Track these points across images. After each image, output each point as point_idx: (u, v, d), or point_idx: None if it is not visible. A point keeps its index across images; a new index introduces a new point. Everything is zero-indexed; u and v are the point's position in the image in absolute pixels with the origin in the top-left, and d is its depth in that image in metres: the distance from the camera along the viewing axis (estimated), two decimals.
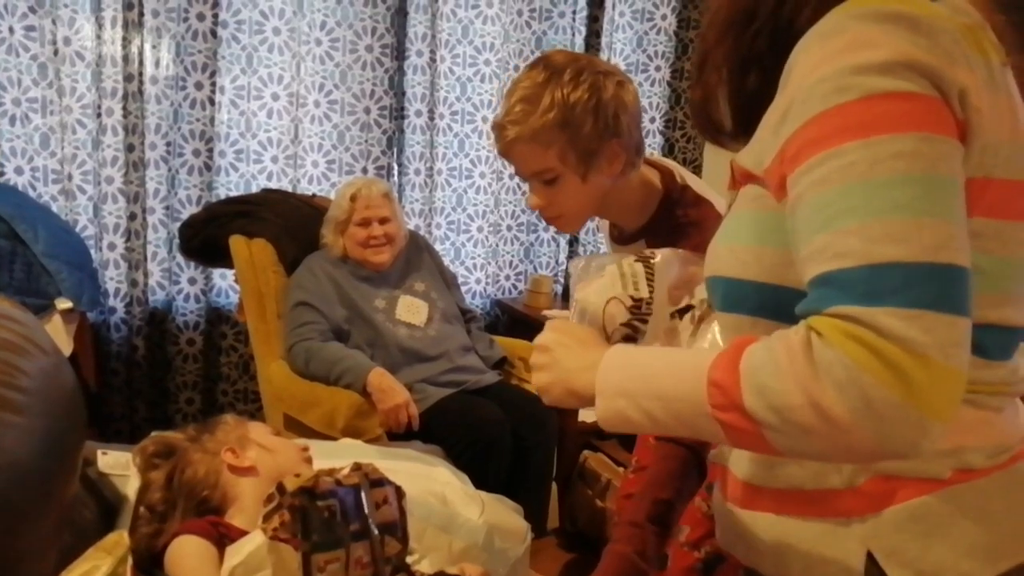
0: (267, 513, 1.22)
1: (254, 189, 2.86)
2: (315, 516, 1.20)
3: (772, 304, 0.76)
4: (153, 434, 1.52)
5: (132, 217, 2.71)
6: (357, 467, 1.36)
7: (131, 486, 1.38)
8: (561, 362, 0.83)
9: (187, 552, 1.21)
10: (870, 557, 0.74)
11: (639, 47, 3.37)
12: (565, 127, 1.23)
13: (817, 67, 0.68)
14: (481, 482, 1.78)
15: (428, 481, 1.59)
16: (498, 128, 1.29)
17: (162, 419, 2.91)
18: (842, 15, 0.69)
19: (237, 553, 1.17)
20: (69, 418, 1.12)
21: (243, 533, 1.28)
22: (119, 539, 0.82)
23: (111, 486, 1.38)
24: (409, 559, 1.36)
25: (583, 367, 0.80)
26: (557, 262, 3.41)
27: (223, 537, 1.25)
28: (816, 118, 0.66)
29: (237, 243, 2.50)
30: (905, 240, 0.61)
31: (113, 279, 2.76)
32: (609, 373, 0.76)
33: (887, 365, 0.59)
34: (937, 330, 0.60)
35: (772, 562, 0.83)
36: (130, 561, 0.82)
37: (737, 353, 0.67)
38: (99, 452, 1.43)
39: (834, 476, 0.77)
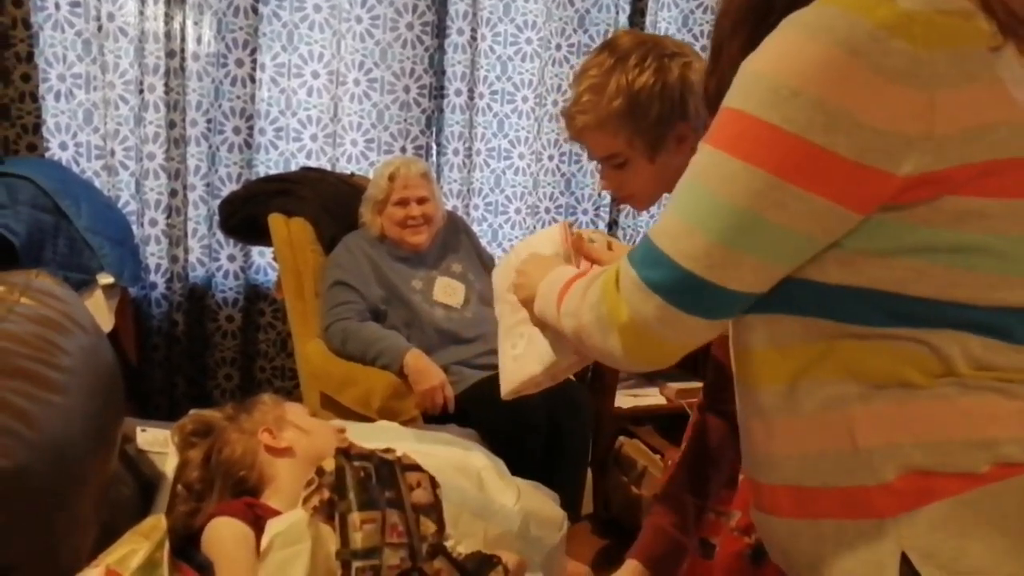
0: (307, 495, 1.22)
1: (293, 167, 2.86)
2: (351, 475, 1.19)
3: (782, 297, 0.77)
4: (191, 412, 1.52)
5: (173, 194, 2.72)
6: (390, 451, 1.35)
7: (169, 464, 1.38)
8: (531, 274, 1.12)
9: (224, 535, 1.21)
10: (904, 559, 0.71)
11: (684, 26, 3.28)
12: (631, 114, 1.24)
13: (760, 57, 0.72)
14: (516, 466, 1.76)
15: (464, 466, 1.57)
16: (567, 117, 1.33)
17: (201, 395, 2.94)
18: (810, 16, 0.70)
19: (278, 524, 1.17)
20: (108, 396, 1.12)
21: (279, 514, 1.28)
22: (156, 523, 0.82)
23: (149, 463, 1.39)
24: (446, 543, 1.34)
25: (535, 284, 1.08)
26: None
27: (259, 519, 1.25)
28: (724, 109, 0.74)
29: (276, 221, 2.50)
30: (674, 237, 0.75)
31: (154, 255, 2.78)
32: (540, 289, 1.05)
33: (610, 306, 0.80)
34: (647, 304, 0.77)
35: (807, 567, 0.80)
36: (167, 546, 0.81)
37: (571, 283, 0.94)
38: (138, 429, 1.44)
39: (865, 473, 0.74)
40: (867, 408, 0.75)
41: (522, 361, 1.24)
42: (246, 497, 1.32)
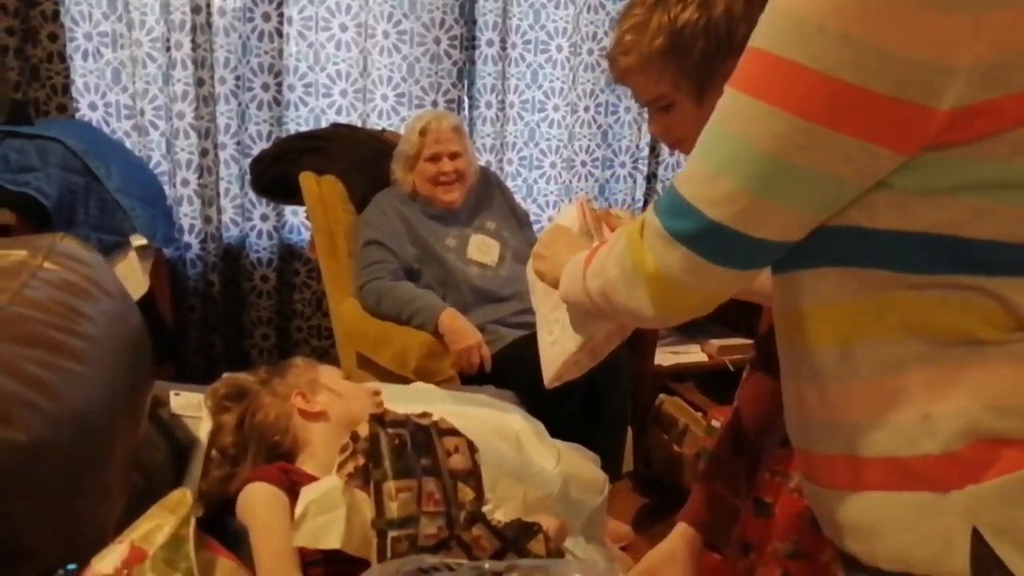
0: (342, 461, 1.20)
1: (323, 124, 2.80)
2: (385, 443, 1.16)
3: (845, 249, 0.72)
4: (224, 376, 1.49)
5: (204, 153, 2.69)
6: (427, 415, 1.31)
7: (203, 428, 1.37)
8: (554, 258, 1.07)
9: (258, 500, 1.19)
10: (976, 535, 0.65)
11: None
12: (674, 53, 1.16)
13: None
14: (554, 427, 1.72)
15: (502, 428, 1.53)
16: (609, 60, 1.26)
17: (238, 354, 2.95)
18: None
19: (313, 491, 1.15)
20: (135, 362, 1.09)
21: (314, 480, 1.25)
22: (182, 497, 0.79)
23: (183, 427, 1.37)
24: (483, 509, 1.31)
25: (561, 265, 1.02)
26: (633, 199, 3.27)
27: (294, 485, 1.22)
28: (748, 49, 0.69)
29: (307, 180, 2.45)
30: (697, 184, 0.72)
31: (187, 215, 2.76)
32: (566, 270, 0.99)
33: (635, 257, 0.78)
34: (672, 255, 0.74)
35: (867, 544, 0.74)
36: (192, 521, 0.78)
37: (595, 251, 0.89)
38: (171, 393, 1.42)
39: (927, 440, 0.68)
40: (929, 369, 0.69)
41: (559, 345, 1.19)
42: (281, 462, 1.30)
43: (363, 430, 1.22)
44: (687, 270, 0.74)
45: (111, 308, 1.11)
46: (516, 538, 1.20)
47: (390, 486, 1.11)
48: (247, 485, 1.21)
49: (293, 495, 1.21)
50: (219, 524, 1.13)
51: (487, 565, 0.93)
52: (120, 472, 0.90)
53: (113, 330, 1.04)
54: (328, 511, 1.12)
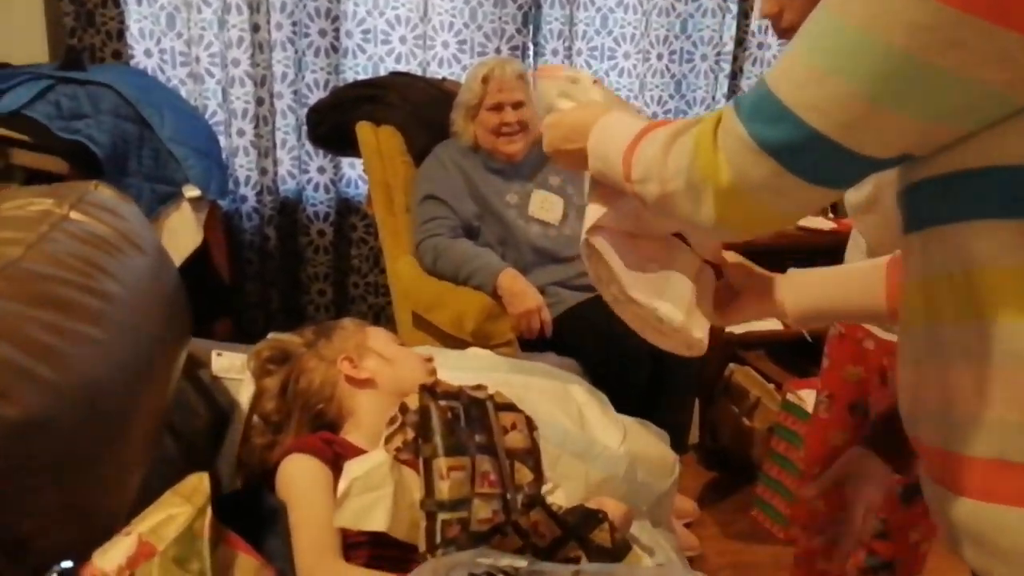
0: (389, 434, 1.10)
1: (382, 72, 2.68)
2: (437, 416, 1.07)
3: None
4: (269, 336, 1.41)
5: (260, 102, 2.60)
6: (482, 388, 1.20)
7: (245, 391, 1.28)
8: (567, 116, 0.91)
9: (298, 474, 1.10)
10: None
11: None
12: None
13: None
14: (618, 397, 1.60)
15: (563, 400, 1.42)
16: None
17: (295, 309, 2.89)
18: None
19: (358, 467, 1.06)
20: (165, 325, 1.00)
21: (359, 452, 1.16)
22: (198, 484, 0.70)
23: (224, 390, 1.29)
24: (542, 491, 1.20)
25: (586, 119, 0.87)
26: None
27: (338, 457, 1.13)
28: None
29: (364, 130, 2.35)
30: (800, 84, 0.60)
31: (243, 167, 2.69)
32: (594, 137, 0.84)
33: (705, 168, 0.66)
34: (757, 168, 0.63)
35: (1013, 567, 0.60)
36: (210, 513, 0.69)
37: (644, 134, 0.75)
38: (214, 353, 1.34)
39: None
40: None
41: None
42: (324, 432, 1.21)
43: (412, 402, 1.13)
44: (772, 187, 0.64)
45: (142, 265, 1.02)
46: (578, 526, 1.08)
47: (441, 464, 1.01)
48: (287, 456, 1.13)
49: (337, 469, 1.12)
50: (255, 500, 1.04)
51: (547, 571, 0.81)
52: (138, 449, 0.82)
53: (141, 289, 0.95)
54: (373, 489, 1.03)
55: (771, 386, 2.47)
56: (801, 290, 0.97)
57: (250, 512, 1.03)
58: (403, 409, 1.15)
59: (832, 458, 1.58)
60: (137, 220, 1.14)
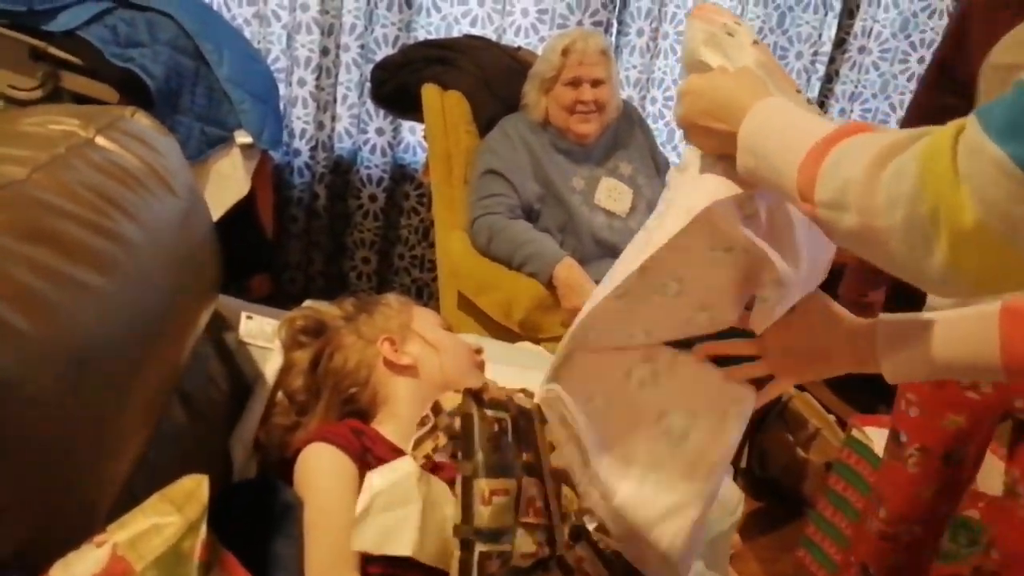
0: (419, 437, 0.95)
1: (455, 34, 2.53)
2: (481, 429, 0.91)
3: None
4: (306, 303, 1.28)
5: (325, 52, 2.47)
6: (527, 393, 1.05)
7: (272, 363, 1.15)
8: (715, 86, 0.75)
9: (320, 467, 0.96)
10: None
11: (901, 32, 2.67)
12: None
13: None
14: None
15: None
16: None
17: (337, 274, 2.78)
18: None
19: (381, 479, 0.91)
20: (188, 277, 0.87)
21: (391, 448, 1.02)
22: (195, 489, 0.56)
23: (249, 359, 1.16)
24: (589, 522, 1.05)
25: (741, 97, 0.72)
26: None
27: (366, 452, 0.99)
28: None
29: (429, 92, 2.20)
30: None
31: (300, 119, 2.56)
32: (747, 128, 0.70)
33: (940, 200, 0.50)
34: (1017, 206, 0.48)
35: None
36: (204, 530, 0.56)
37: (833, 142, 0.60)
38: (243, 315, 1.21)
39: None
40: None
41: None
42: (354, 420, 1.07)
43: (448, 402, 0.97)
44: (1007, 213, 0.49)
45: (170, 207, 0.88)
46: (628, 571, 0.93)
47: (483, 486, 0.86)
48: (309, 444, 0.99)
49: (364, 464, 0.98)
50: (268, 492, 0.91)
51: None
52: (136, 426, 0.69)
53: (164, 235, 0.82)
54: (398, 506, 0.88)
55: (831, 417, 2.29)
56: (895, 343, 0.81)
57: (262, 506, 0.90)
58: (436, 409, 0.99)
59: (924, 515, 1.42)
60: (174, 157, 1.00)
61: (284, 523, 0.88)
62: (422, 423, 0.96)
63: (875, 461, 1.86)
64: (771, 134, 0.67)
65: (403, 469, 0.90)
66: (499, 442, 0.90)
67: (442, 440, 0.98)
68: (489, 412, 0.92)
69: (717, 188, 0.75)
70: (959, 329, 0.80)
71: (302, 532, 0.89)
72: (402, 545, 0.85)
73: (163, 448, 0.88)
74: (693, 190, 0.77)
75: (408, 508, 0.87)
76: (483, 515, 0.84)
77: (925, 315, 0.83)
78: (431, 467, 0.94)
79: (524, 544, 0.85)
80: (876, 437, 2.00)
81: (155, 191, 0.87)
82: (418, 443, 0.94)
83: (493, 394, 0.95)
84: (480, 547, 0.82)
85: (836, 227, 0.58)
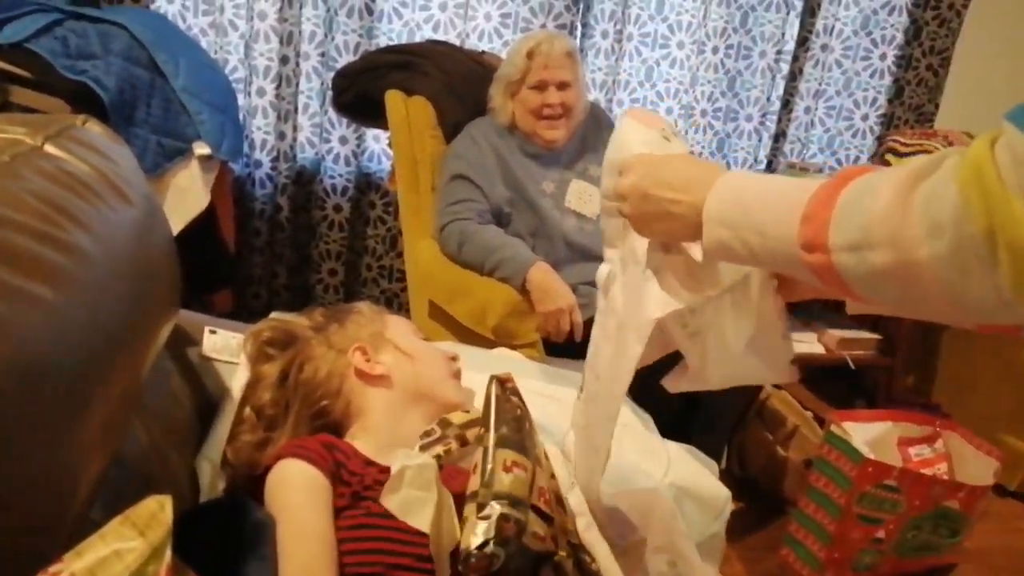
0: (425, 445, 0.96)
1: (417, 40, 2.50)
2: (506, 408, 0.92)
3: None
4: (272, 315, 1.23)
5: (284, 61, 2.42)
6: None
7: (238, 379, 1.10)
8: (666, 160, 0.75)
9: (294, 483, 0.92)
10: None
11: (863, 29, 2.72)
12: None
13: None
14: (649, 414, 1.43)
15: None
16: None
17: (302, 288, 2.72)
18: None
19: (407, 457, 0.91)
20: (146, 289, 0.82)
21: (366, 461, 0.98)
22: (158, 512, 0.52)
23: (214, 375, 1.11)
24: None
25: (699, 172, 0.71)
26: (756, 159, 2.88)
27: (340, 466, 0.95)
28: None
29: (393, 99, 2.16)
30: None
31: (260, 129, 2.51)
32: (715, 201, 0.68)
33: (990, 216, 0.46)
34: None
35: None
36: (168, 555, 0.52)
37: (840, 185, 0.57)
38: (207, 330, 1.16)
39: None
40: None
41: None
42: (326, 435, 1.03)
43: (457, 418, 1.01)
44: None
45: (125, 217, 0.84)
46: None
47: (504, 454, 0.85)
48: (280, 460, 0.95)
49: (338, 480, 0.94)
50: (232, 516, 0.86)
51: None
52: (94, 444, 0.64)
53: (119, 246, 0.77)
54: (423, 488, 0.88)
55: (808, 413, 2.29)
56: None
57: (231, 526, 0.85)
58: (444, 423, 1.02)
59: None
60: (128, 165, 0.95)
61: (256, 544, 0.83)
62: (427, 434, 0.98)
63: (856, 457, 1.86)
64: (750, 201, 0.65)
65: (425, 458, 0.91)
66: (520, 425, 0.90)
67: (454, 445, 0.98)
68: (513, 398, 0.92)
69: (663, 303, 0.81)
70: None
71: (275, 552, 0.85)
72: (422, 521, 0.85)
73: (125, 470, 0.83)
74: (641, 302, 0.86)
75: (429, 494, 0.87)
76: (504, 481, 0.83)
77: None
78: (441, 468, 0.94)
79: (536, 525, 0.83)
80: (855, 432, 2.00)
81: (109, 200, 0.82)
82: (425, 448, 0.94)
83: (514, 386, 0.96)
84: (501, 508, 0.80)
85: (860, 270, 0.55)
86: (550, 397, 1.23)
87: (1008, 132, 0.47)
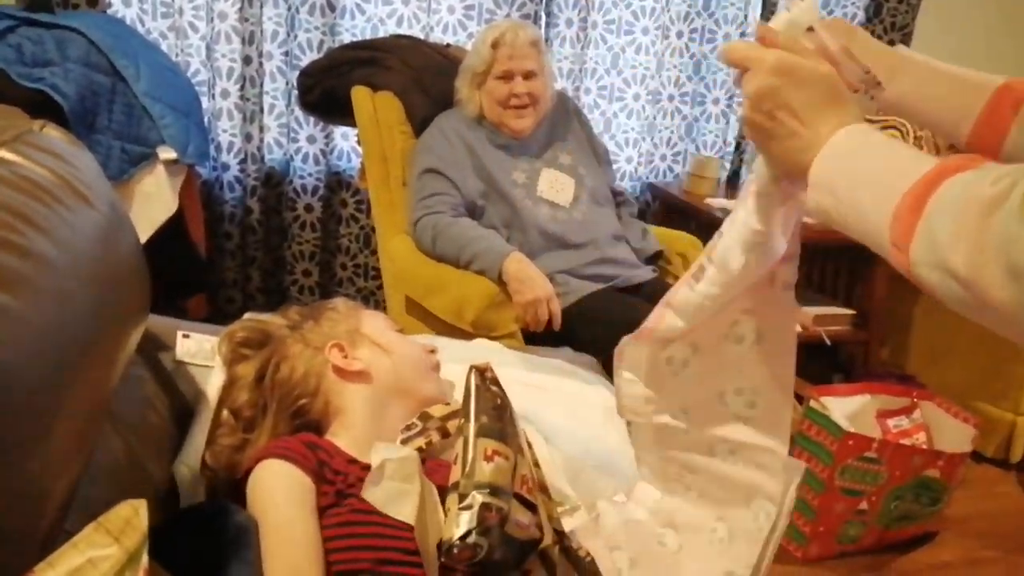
0: (406, 439, 0.96)
1: (382, 35, 2.47)
2: (486, 398, 0.91)
3: None
4: (246, 316, 1.22)
5: (247, 61, 2.39)
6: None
7: (214, 381, 1.09)
8: (814, 79, 0.66)
9: (276, 484, 0.91)
10: None
11: (824, 8, 2.81)
12: None
13: None
14: None
15: (584, 404, 1.23)
16: None
17: (277, 290, 2.69)
18: None
19: (387, 450, 0.90)
20: (113, 295, 0.80)
21: (348, 459, 0.98)
22: (132, 517, 0.51)
23: (189, 379, 1.09)
24: (561, 511, 1.02)
25: (824, 108, 0.65)
26: (724, 142, 2.89)
27: (323, 465, 0.94)
28: None
29: (359, 95, 2.14)
30: None
31: (226, 131, 2.47)
32: (826, 161, 0.63)
33: None
34: None
35: None
36: (145, 560, 0.51)
37: (933, 185, 0.53)
38: (179, 334, 1.14)
39: None
40: None
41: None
42: (306, 433, 1.02)
43: (437, 411, 1.02)
44: None
45: (88, 222, 0.82)
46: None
47: (485, 443, 0.84)
48: (262, 462, 0.94)
49: (321, 479, 0.93)
50: (219, 515, 0.85)
51: None
52: (63, 455, 0.63)
53: (82, 251, 0.75)
54: (405, 481, 0.87)
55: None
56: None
57: (213, 531, 0.84)
58: (424, 416, 1.02)
59: None
60: (90, 170, 0.93)
61: (239, 548, 0.82)
62: (408, 428, 0.98)
63: (836, 431, 1.88)
64: (859, 171, 0.60)
65: (405, 451, 0.91)
66: (500, 414, 0.89)
67: (435, 437, 0.98)
68: (493, 388, 0.91)
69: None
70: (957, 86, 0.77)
71: (259, 556, 0.84)
72: (405, 514, 0.84)
73: (100, 480, 0.81)
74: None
75: (412, 486, 0.86)
76: (485, 470, 0.83)
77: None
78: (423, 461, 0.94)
79: (519, 513, 0.82)
80: (834, 407, 2.02)
81: (71, 205, 0.80)
82: (406, 442, 0.94)
83: (495, 377, 0.95)
84: (481, 497, 0.80)
85: (940, 289, 0.53)
86: (532, 385, 1.23)
87: None
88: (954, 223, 0.51)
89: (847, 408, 2.05)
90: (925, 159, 0.57)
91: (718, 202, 2.57)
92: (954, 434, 2.06)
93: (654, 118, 2.80)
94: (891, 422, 2.13)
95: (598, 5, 2.63)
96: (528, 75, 2.05)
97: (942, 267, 0.52)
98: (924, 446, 2.06)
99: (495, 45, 2.03)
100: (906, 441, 2.05)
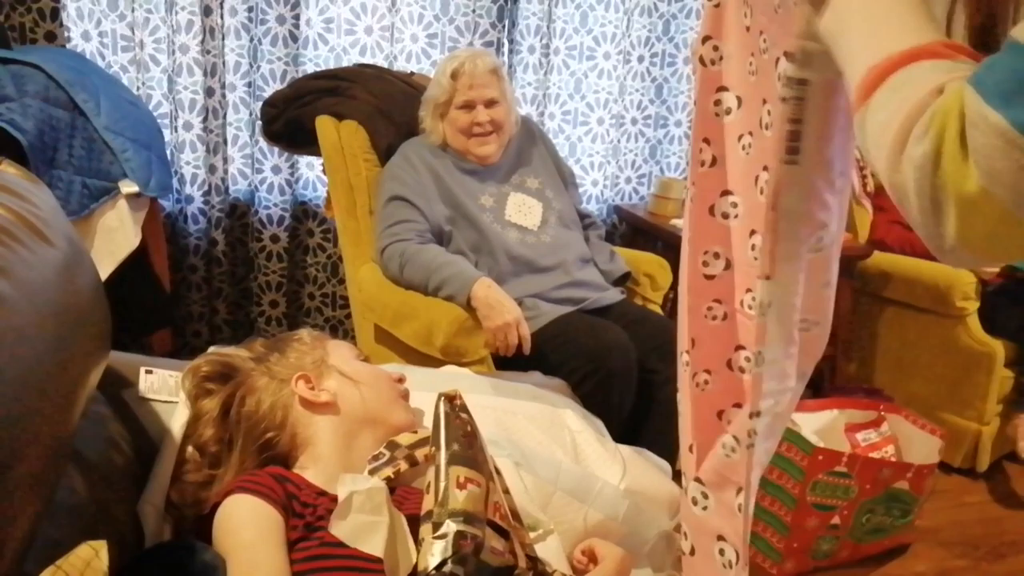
0: (375, 468, 0.95)
1: (345, 65, 2.48)
2: (455, 425, 0.92)
3: None
4: (211, 350, 1.20)
5: (210, 93, 2.38)
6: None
7: (179, 417, 1.07)
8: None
9: (243, 518, 0.89)
10: None
11: None
12: None
13: None
14: (601, 419, 1.43)
15: (555, 428, 1.23)
16: None
17: (244, 322, 2.67)
18: None
19: (354, 482, 0.90)
20: (73, 330, 0.79)
21: (317, 492, 0.96)
22: (93, 558, 0.49)
23: (153, 416, 1.08)
24: (534, 535, 1.01)
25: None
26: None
27: (291, 498, 0.93)
28: None
29: (324, 124, 2.14)
30: None
31: (190, 164, 2.46)
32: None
33: (946, 168, 0.49)
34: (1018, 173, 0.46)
35: None
36: None
37: (896, 66, 0.54)
38: (142, 370, 1.12)
39: None
40: None
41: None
42: (274, 467, 1.01)
43: (404, 439, 1.01)
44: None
45: (47, 260, 0.81)
46: None
47: (457, 471, 0.84)
48: (228, 497, 0.92)
49: (290, 513, 0.92)
50: (179, 560, 0.83)
51: None
52: (23, 499, 0.61)
53: (40, 289, 0.74)
54: (372, 513, 0.87)
55: None
56: None
57: (180, 570, 0.82)
58: (392, 445, 1.02)
59: None
60: (48, 206, 0.92)
61: None
62: (375, 458, 0.97)
63: (806, 447, 1.89)
64: (858, 17, 0.60)
65: (373, 481, 0.90)
66: (471, 441, 0.89)
67: (403, 466, 0.97)
68: (463, 415, 0.91)
69: None
70: None
71: None
72: (374, 546, 0.84)
73: (61, 521, 0.80)
74: None
75: (380, 518, 0.86)
76: (458, 498, 0.83)
77: None
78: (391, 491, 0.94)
79: (493, 539, 0.82)
80: (803, 422, 2.04)
81: (27, 243, 0.79)
82: (374, 473, 0.93)
83: (463, 403, 0.95)
84: (456, 526, 0.80)
85: (875, 159, 0.55)
86: (501, 410, 1.23)
87: (968, 94, 0.48)
88: (887, 116, 0.53)
89: (816, 423, 2.07)
90: (916, 29, 0.57)
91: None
92: (922, 446, 2.08)
93: (618, 141, 2.83)
94: (860, 436, 2.15)
95: (560, 32, 2.67)
96: (490, 103, 2.06)
97: (867, 156, 0.56)
98: (893, 459, 2.08)
99: (455, 76, 2.05)
100: (875, 454, 2.08)
